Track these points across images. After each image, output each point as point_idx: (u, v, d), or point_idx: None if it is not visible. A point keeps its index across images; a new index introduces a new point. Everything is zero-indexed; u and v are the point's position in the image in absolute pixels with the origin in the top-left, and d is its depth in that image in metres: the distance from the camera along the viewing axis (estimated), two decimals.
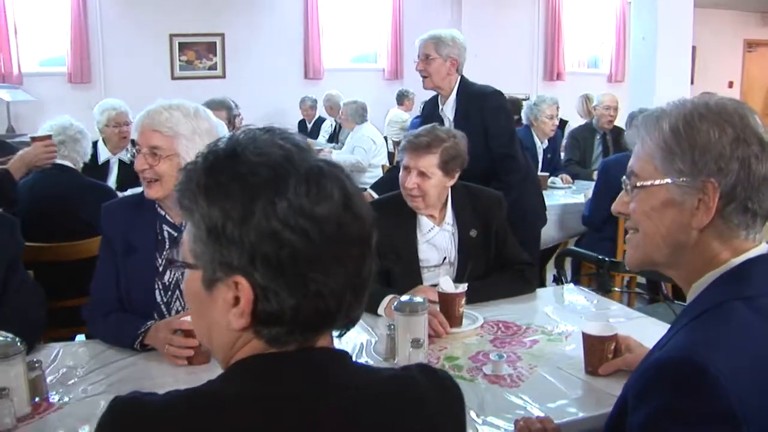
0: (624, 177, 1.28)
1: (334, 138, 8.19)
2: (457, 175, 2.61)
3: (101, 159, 4.81)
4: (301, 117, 9.04)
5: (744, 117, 1.15)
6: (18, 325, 2.15)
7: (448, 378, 1.07)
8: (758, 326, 1.07)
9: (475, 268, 2.61)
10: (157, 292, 2.27)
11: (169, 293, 2.29)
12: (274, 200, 0.86)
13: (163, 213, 2.29)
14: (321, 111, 8.81)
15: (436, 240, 2.65)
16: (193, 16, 9.04)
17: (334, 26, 10.06)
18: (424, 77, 3.57)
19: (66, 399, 1.81)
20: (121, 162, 4.77)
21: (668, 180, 1.17)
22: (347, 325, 0.97)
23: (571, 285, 2.73)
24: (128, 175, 4.52)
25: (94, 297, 2.29)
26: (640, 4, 6.40)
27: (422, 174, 2.53)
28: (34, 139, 3.28)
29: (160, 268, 2.28)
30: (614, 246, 4.12)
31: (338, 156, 6.74)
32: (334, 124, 8.37)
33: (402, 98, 8.82)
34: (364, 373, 0.98)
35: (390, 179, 3.02)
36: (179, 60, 9.26)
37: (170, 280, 2.28)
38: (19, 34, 8.62)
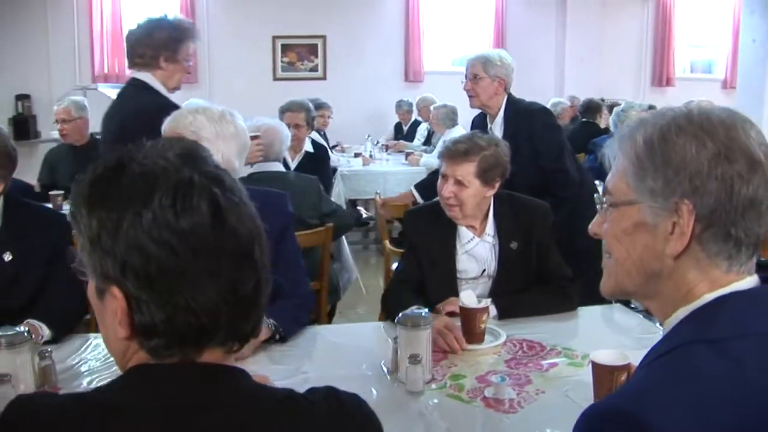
0: (597, 195, 1.17)
1: (428, 141, 8.14)
2: (498, 185, 2.50)
3: None
4: (397, 120, 9.04)
5: (731, 129, 0.99)
6: (53, 315, 2.25)
7: (358, 407, 1.01)
8: (721, 374, 0.90)
9: (514, 282, 2.51)
10: None
11: None
12: (141, 212, 0.86)
13: None
14: (417, 114, 8.77)
15: (476, 251, 2.55)
16: (296, 19, 9.22)
17: (436, 29, 10.00)
18: (471, 96, 3.62)
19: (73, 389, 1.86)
20: None
21: (639, 200, 1.03)
22: (240, 339, 0.95)
23: (619, 305, 2.56)
24: None
25: None
26: (750, 5, 5.98)
27: (459, 183, 2.44)
28: None
29: None
30: None
31: (428, 159, 6.70)
32: (429, 127, 8.32)
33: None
34: (250, 392, 0.93)
35: (432, 181, 2.97)
36: (281, 61, 9.47)
37: None
38: None
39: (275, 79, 9.58)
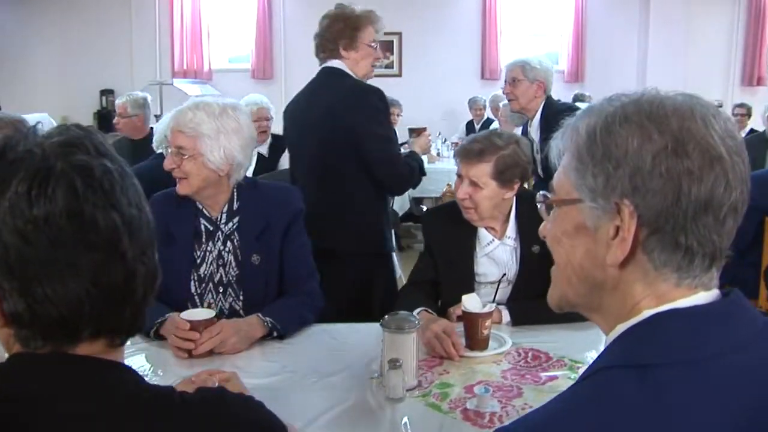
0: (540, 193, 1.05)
1: None
2: (517, 186, 2.37)
3: None
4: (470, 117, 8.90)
5: (687, 119, 0.85)
6: None
7: (244, 412, 0.94)
8: (641, 405, 0.78)
9: (534, 288, 2.36)
10: (192, 283, 2.30)
11: (203, 285, 2.31)
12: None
13: (200, 207, 2.31)
14: (489, 112, 8.61)
15: (496, 254, 2.43)
16: None
17: (513, 26, 9.78)
18: (510, 100, 3.67)
19: None
20: (259, 155, 4.94)
21: (580, 199, 0.90)
22: (117, 333, 0.91)
23: None
24: (265, 168, 4.69)
25: None
26: None
27: (474, 184, 2.32)
28: (413, 130, 3.47)
29: (198, 260, 2.30)
30: (758, 274, 3.59)
31: None
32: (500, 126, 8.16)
33: (576, 101, 8.38)
34: (118, 387, 0.89)
35: None
36: None
37: (205, 272, 2.31)
38: (211, 35, 9.27)
39: None
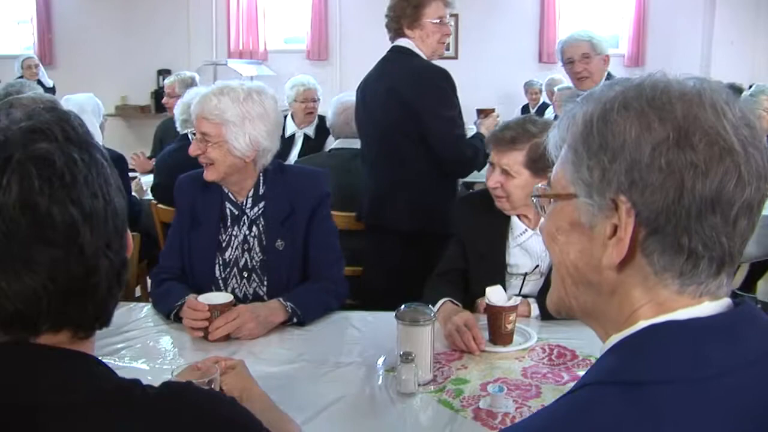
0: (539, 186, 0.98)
1: None
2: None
3: (288, 132, 5.02)
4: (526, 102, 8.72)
5: (694, 106, 0.76)
6: None
7: (207, 408, 0.90)
8: (629, 428, 0.71)
9: None
10: (216, 267, 2.29)
11: (228, 269, 2.30)
12: None
13: (226, 191, 2.29)
14: (545, 96, 8.41)
15: (529, 245, 2.34)
16: None
17: (573, 7, 9.51)
18: (583, 78, 3.47)
19: None
20: (306, 136, 4.93)
21: (576, 194, 0.83)
22: (81, 326, 0.88)
23: None
24: (311, 149, 4.68)
25: (160, 263, 2.36)
26: None
27: (506, 172, 2.23)
28: (481, 111, 3.48)
29: (223, 244, 2.29)
30: None
31: None
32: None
33: None
34: (77, 377, 0.86)
35: None
36: None
37: (230, 257, 2.29)
38: (267, 15, 9.29)
39: None
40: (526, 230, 2.34)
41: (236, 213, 2.29)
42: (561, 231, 0.87)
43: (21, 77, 6.68)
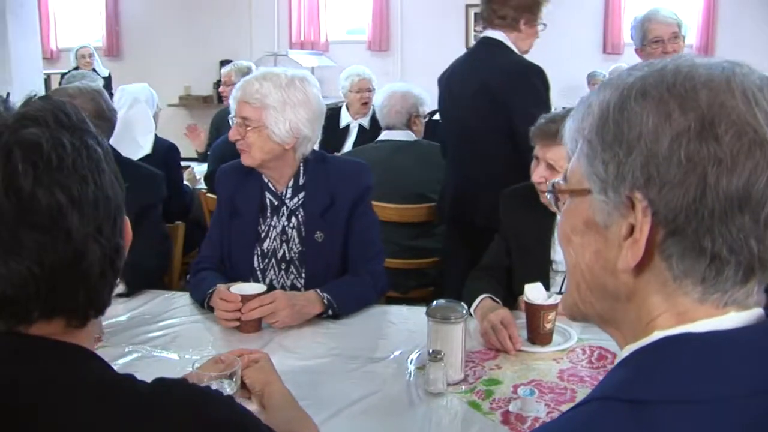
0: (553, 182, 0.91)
1: None
2: None
3: (342, 123, 5.01)
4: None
5: (722, 93, 0.68)
6: (129, 270, 2.31)
7: (194, 408, 0.87)
8: None
9: None
10: (255, 257, 2.28)
11: (266, 260, 2.28)
12: None
13: (266, 180, 2.27)
14: None
15: None
16: None
17: None
18: None
19: (106, 345, 1.90)
20: (361, 127, 4.90)
21: (591, 190, 0.75)
22: (74, 314, 0.87)
23: None
24: (366, 140, 4.65)
25: (200, 253, 2.37)
26: None
27: (551, 167, 2.15)
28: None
29: (262, 235, 2.27)
30: None
31: None
32: None
33: None
34: (67, 369, 0.85)
35: None
36: (474, 30, 9.23)
37: (269, 247, 2.28)
38: (329, 6, 9.30)
39: (468, 48, 9.37)
40: None
41: (275, 203, 2.27)
42: (576, 231, 0.79)
43: (77, 67, 6.79)
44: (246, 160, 2.18)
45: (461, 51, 9.87)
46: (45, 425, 0.80)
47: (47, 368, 0.84)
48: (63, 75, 6.33)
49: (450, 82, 3.06)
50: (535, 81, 2.82)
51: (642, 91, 0.71)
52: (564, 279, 2.14)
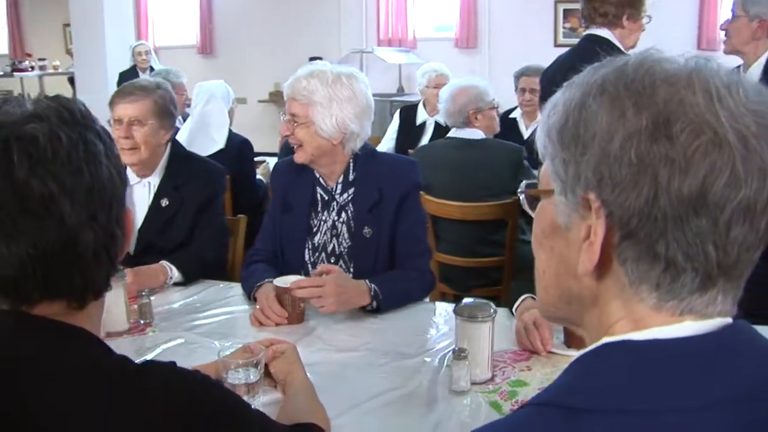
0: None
1: None
2: None
3: (419, 120, 5.03)
4: None
5: (682, 90, 0.65)
6: (187, 260, 2.43)
7: (181, 387, 0.93)
8: None
9: None
10: (306, 251, 2.34)
11: (317, 254, 2.33)
12: None
13: (318, 176, 2.32)
14: None
15: None
16: None
17: None
18: (725, 40, 3.08)
19: (156, 330, 2.01)
20: (437, 123, 4.91)
21: (552, 190, 0.75)
22: (72, 295, 0.94)
23: None
24: (441, 136, 4.65)
25: (254, 246, 2.45)
26: None
27: None
28: None
29: (313, 229, 2.33)
30: None
31: None
32: None
33: None
34: (61, 349, 0.91)
35: None
36: (563, 27, 9.06)
37: (319, 241, 2.33)
38: (417, 3, 9.32)
39: (556, 45, 9.17)
40: None
41: (326, 198, 2.31)
42: (543, 234, 0.78)
43: (133, 66, 6.85)
44: (299, 157, 2.24)
45: (549, 48, 9.74)
46: (32, 396, 0.87)
47: (43, 346, 0.91)
48: (121, 75, 6.55)
49: (554, 78, 3.05)
50: None
51: (601, 89, 0.70)
52: None
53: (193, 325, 2.03)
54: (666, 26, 8.79)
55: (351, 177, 2.29)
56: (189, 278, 2.38)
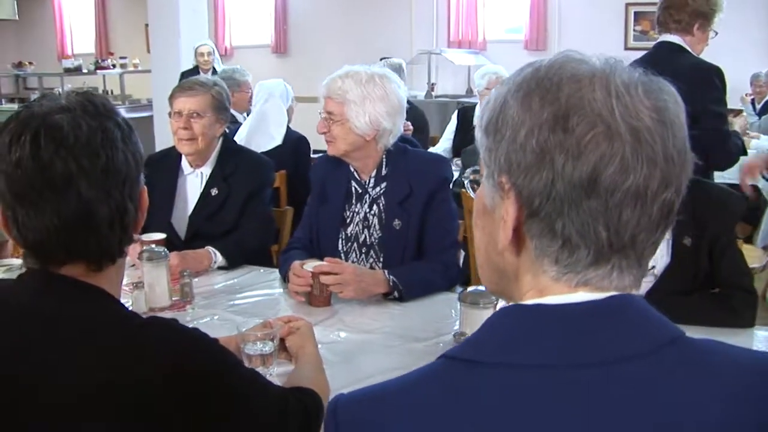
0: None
1: None
2: None
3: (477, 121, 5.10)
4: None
5: (583, 87, 0.74)
6: (232, 246, 2.61)
7: (168, 338, 1.08)
8: (445, 406, 0.75)
9: (679, 283, 2.17)
10: (339, 241, 2.48)
11: (349, 244, 2.48)
12: None
13: (352, 170, 2.46)
14: None
15: None
16: None
17: None
18: None
19: (195, 307, 2.20)
20: None
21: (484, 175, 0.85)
22: (90, 258, 1.10)
23: None
24: None
25: (294, 234, 2.61)
26: None
27: None
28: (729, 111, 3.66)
29: (347, 220, 2.47)
30: None
31: (760, 142, 5.81)
32: None
33: None
34: (83, 306, 1.08)
35: None
36: (634, 30, 8.95)
37: (352, 232, 2.47)
38: (488, 4, 9.38)
39: (626, 48, 9.08)
40: None
41: (360, 191, 2.46)
42: (478, 215, 0.89)
43: (196, 67, 6.81)
44: (331, 151, 2.39)
45: (620, 50, 9.61)
46: (50, 341, 1.04)
47: (64, 300, 1.09)
48: (182, 74, 6.64)
49: None
50: (715, 80, 3.00)
51: (518, 87, 0.79)
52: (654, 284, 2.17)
53: (229, 304, 2.20)
54: (737, 29, 8.60)
55: (384, 172, 2.43)
56: (232, 263, 2.57)
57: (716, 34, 3.17)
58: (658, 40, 3.19)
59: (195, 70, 6.72)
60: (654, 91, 0.76)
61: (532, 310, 0.78)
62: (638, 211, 0.74)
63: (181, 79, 6.63)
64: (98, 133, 1.08)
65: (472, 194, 0.97)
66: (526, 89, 0.78)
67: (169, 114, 2.72)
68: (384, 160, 2.43)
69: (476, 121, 0.92)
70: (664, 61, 3.00)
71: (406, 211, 2.38)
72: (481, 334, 0.80)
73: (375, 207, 2.43)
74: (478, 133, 0.87)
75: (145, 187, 1.19)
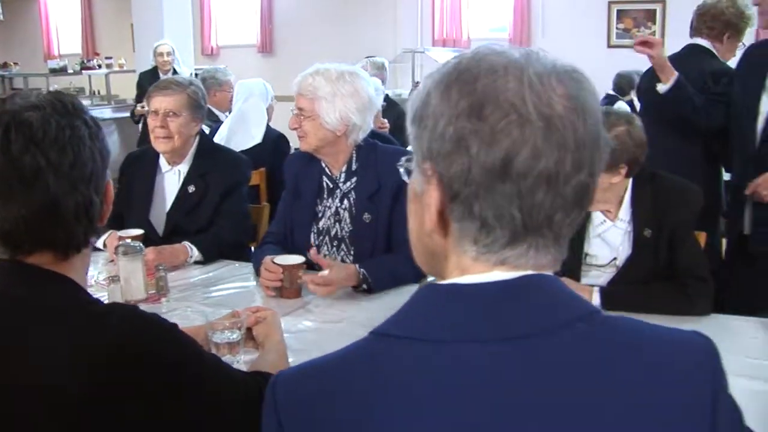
0: None
1: None
2: (624, 171, 2.21)
3: None
4: None
5: (498, 78, 0.78)
6: (208, 241, 2.68)
7: (144, 330, 1.14)
8: (361, 377, 0.80)
9: (639, 274, 2.25)
10: (312, 235, 2.55)
11: (321, 238, 2.54)
12: None
13: (324, 165, 2.53)
14: None
15: (608, 236, 2.33)
16: None
17: None
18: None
19: (170, 300, 2.27)
20: None
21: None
22: (58, 246, 1.16)
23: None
24: None
25: (268, 229, 2.68)
26: None
27: None
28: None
29: (319, 215, 2.54)
30: None
31: None
32: None
33: None
34: (46, 293, 1.14)
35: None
36: (616, 28, 9.04)
37: (323, 226, 2.54)
38: (471, 4, 9.46)
39: (609, 46, 9.18)
40: (605, 221, 2.33)
41: (331, 186, 2.52)
42: (410, 200, 0.93)
43: (155, 67, 6.54)
44: (303, 146, 2.46)
45: (603, 49, 9.61)
46: (19, 327, 1.10)
47: (31, 287, 1.15)
48: (141, 75, 6.55)
49: (651, 83, 3.34)
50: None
51: (440, 79, 0.84)
52: (615, 274, 2.25)
53: (203, 297, 2.27)
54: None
55: (354, 167, 2.49)
56: (208, 258, 2.64)
57: (744, 46, 3.33)
58: (689, 43, 3.42)
59: (154, 71, 6.49)
60: (567, 80, 0.80)
61: (443, 290, 0.83)
62: (551, 194, 0.79)
63: (139, 80, 6.56)
64: (66, 130, 1.14)
65: (407, 180, 1.02)
66: (447, 81, 0.82)
67: (146, 113, 2.78)
68: (354, 155, 2.50)
69: (408, 112, 0.98)
70: (693, 62, 3.28)
71: (375, 205, 2.45)
72: (400, 312, 0.86)
73: (346, 201, 2.50)
74: (407, 124, 0.94)
75: (111, 181, 1.25)
